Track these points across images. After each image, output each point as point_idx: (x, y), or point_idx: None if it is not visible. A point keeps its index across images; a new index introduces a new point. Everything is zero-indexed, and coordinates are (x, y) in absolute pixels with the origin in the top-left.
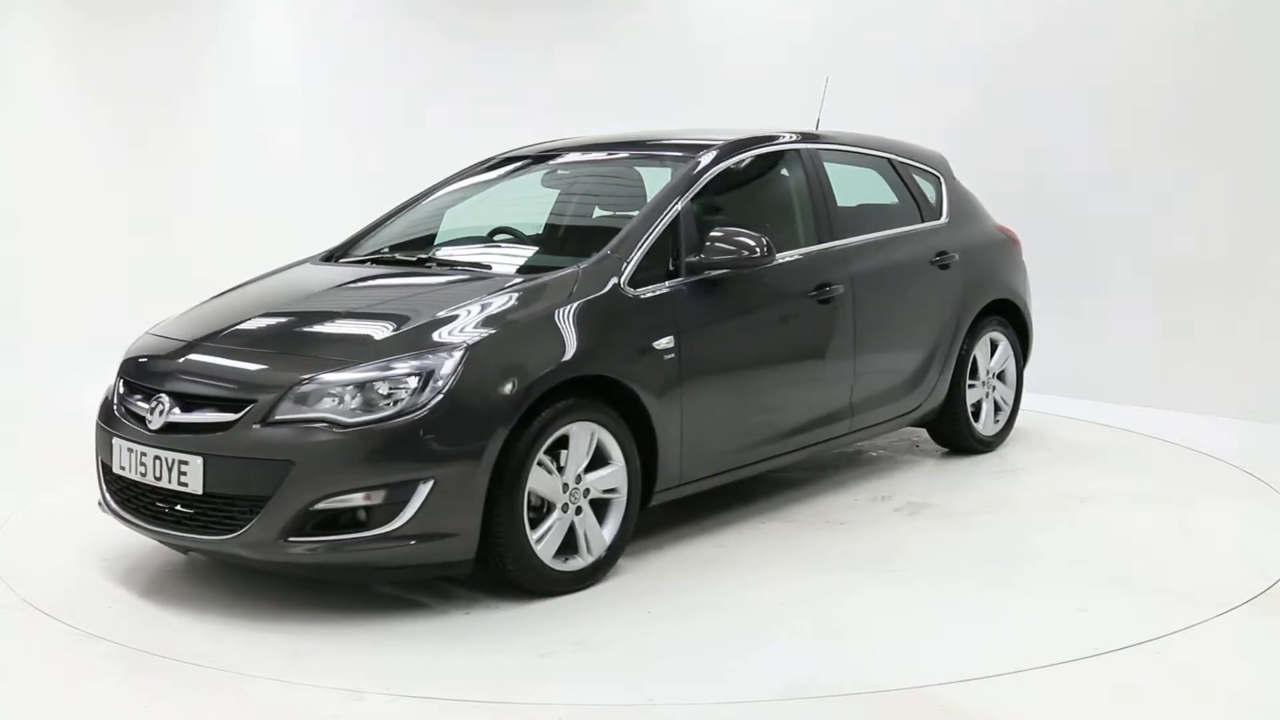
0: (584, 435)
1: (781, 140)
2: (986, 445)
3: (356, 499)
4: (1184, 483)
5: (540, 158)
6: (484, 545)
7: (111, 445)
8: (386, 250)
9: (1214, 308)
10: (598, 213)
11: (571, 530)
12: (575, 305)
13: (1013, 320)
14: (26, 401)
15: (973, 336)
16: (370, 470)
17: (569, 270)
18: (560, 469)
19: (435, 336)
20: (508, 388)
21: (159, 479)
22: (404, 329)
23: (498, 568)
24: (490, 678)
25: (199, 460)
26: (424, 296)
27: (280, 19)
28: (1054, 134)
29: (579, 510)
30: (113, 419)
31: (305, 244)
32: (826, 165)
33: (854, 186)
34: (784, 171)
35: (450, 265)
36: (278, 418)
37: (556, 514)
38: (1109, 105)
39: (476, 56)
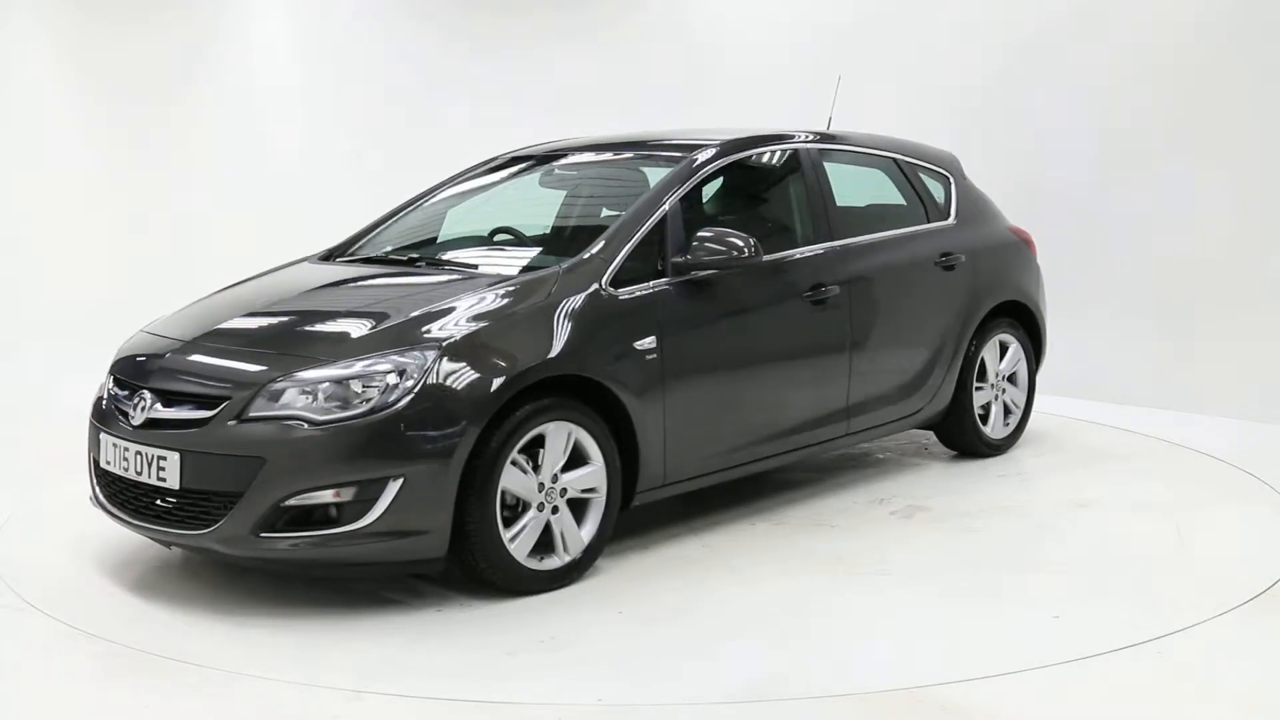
0: (560, 435)
1: (779, 140)
2: (996, 449)
3: (326, 496)
4: (1184, 483)
5: (545, 157)
6: (458, 543)
7: (100, 441)
8: (384, 250)
9: (1214, 308)
10: (604, 213)
11: (548, 529)
12: (552, 306)
13: (1025, 322)
14: (26, 401)
15: (980, 338)
16: (339, 467)
17: (549, 271)
18: (536, 468)
19: (409, 335)
20: (479, 388)
21: (140, 474)
22: (379, 328)
23: (471, 566)
24: (451, 674)
25: (176, 456)
26: (406, 296)
27: (280, 19)
28: (1053, 134)
29: (555, 510)
30: (102, 415)
31: (305, 244)
32: (829, 166)
33: (859, 187)
34: (781, 172)
35: (440, 265)
36: (252, 414)
37: (532, 513)
38: (1109, 105)
39: (476, 56)
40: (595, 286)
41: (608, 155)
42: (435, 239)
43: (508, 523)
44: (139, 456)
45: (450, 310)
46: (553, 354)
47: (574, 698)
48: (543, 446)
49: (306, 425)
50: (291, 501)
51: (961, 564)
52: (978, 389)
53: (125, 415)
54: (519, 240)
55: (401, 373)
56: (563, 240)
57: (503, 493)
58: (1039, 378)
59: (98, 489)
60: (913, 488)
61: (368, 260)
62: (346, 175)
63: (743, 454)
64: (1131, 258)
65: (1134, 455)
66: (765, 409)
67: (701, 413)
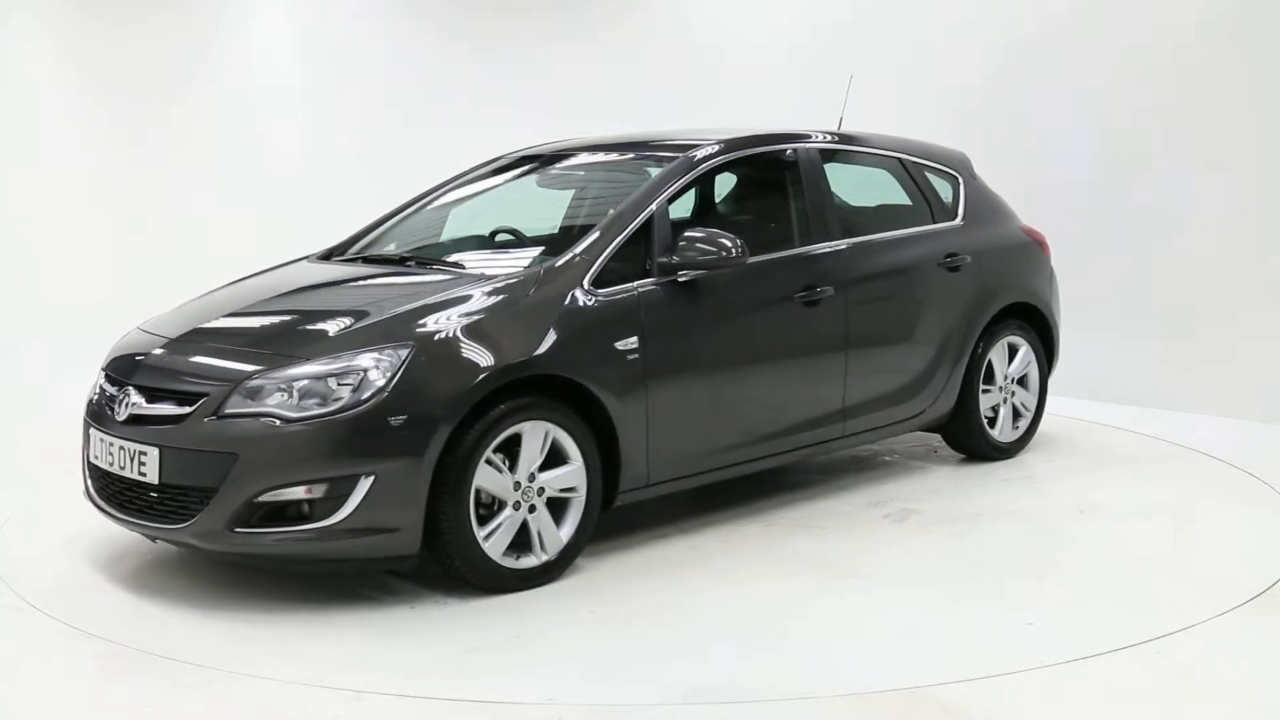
0: (537, 434)
1: (779, 140)
2: (1004, 452)
3: (298, 492)
4: (1184, 483)
5: (549, 158)
6: (433, 541)
7: (90, 437)
8: (382, 250)
9: (1215, 308)
10: (610, 213)
11: (525, 528)
12: (531, 305)
13: (1036, 325)
14: (26, 401)
15: (988, 340)
16: (311, 464)
17: (531, 271)
18: (514, 467)
19: (384, 333)
20: (452, 386)
21: (123, 469)
22: (355, 326)
23: (447, 563)
24: (412, 670)
25: (156, 451)
26: (389, 295)
27: (280, 19)
28: (1053, 134)
29: (533, 509)
30: (93, 412)
31: (305, 244)
32: (830, 166)
33: (864, 187)
34: (778, 172)
35: (429, 265)
36: (228, 411)
37: (507, 512)
38: (1109, 105)
39: (476, 56)
40: (577, 287)
41: (614, 155)
42: (436, 239)
43: (484, 521)
44: (123, 451)
45: (428, 309)
46: (529, 354)
47: (523, 696)
48: (520, 446)
49: (279, 422)
50: (264, 497)
51: (953, 567)
52: (985, 391)
53: (113, 411)
54: (519, 241)
55: (374, 370)
56: (562, 241)
57: (478, 491)
58: (1051, 381)
59: (89, 484)
60: (912, 491)
61: (360, 260)
62: (346, 175)
63: (732, 455)
64: (1132, 258)
65: (1135, 456)
66: (755, 410)
67: (686, 413)
